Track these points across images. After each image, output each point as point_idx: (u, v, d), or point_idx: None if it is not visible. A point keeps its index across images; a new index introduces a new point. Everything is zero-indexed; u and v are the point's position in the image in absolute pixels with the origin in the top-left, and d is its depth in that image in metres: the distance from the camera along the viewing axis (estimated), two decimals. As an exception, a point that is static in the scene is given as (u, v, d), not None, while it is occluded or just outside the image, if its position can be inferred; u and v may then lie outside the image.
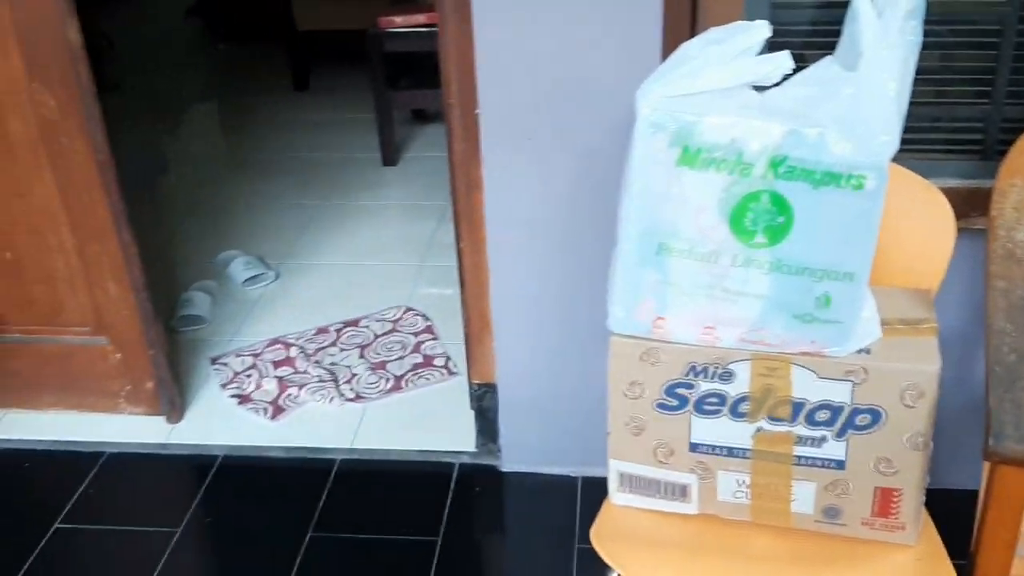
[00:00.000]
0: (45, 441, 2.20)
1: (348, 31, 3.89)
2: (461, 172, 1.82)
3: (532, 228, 1.78)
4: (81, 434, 2.20)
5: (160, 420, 2.22)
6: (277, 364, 2.38)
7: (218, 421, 2.22)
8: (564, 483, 2.00)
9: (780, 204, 1.17)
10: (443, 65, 1.78)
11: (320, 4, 3.91)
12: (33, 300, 2.14)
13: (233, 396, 2.28)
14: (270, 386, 2.30)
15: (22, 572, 1.86)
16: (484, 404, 2.02)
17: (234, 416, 2.23)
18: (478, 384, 2.01)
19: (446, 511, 1.95)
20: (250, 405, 2.25)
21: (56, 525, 1.97)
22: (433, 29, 3.22)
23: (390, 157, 3.44)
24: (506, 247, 1.81)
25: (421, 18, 3.26)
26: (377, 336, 2.48)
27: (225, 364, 2.40)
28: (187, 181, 3.40)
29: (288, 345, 2.45)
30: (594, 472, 1.98)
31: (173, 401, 2.22)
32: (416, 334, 2.48)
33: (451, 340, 2.44)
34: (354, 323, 2.55)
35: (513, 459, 2.03)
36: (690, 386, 1.23)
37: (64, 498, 2.04)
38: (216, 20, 4.26)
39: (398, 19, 3.26)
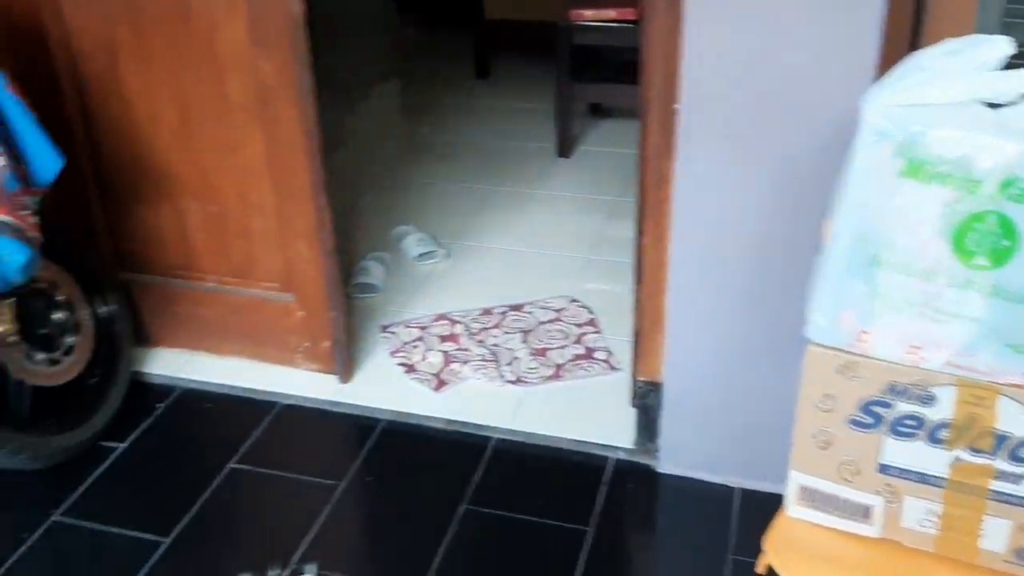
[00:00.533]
0: (226, 385, 2.34)
1: (534, 22, 3.95)
2: (652, 166, 1.81)
3: (720, 228, 1.76)
4: (259, 382, 2.33)
5: (332, 379, 2.33)
6: (443, 339, 2.45)
7: (385, 386, 2.30)
8: (721, 492, 1.97)
9: (1007, 227, 1.11)
10: (645, 58, 1.78)
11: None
12: (231, 253, 2.28)
13: (400, 364, 2.36)
14: (435, 359, 2.37)
15: (199, 504, 1.99)
16: (647, 402, 2.01)
17: (400, 383, 2.31)
18: (643, 381, 2.01)
19: (598, 504, 1.95)
20: (415, 375, 2.32)
21: (231, 464, 2.09)
22: (622, 24, 3.25)
23: (565, 149, 3.46)
24: (690, 245, 1.80)
25: (611, 13, 3.26)
26: (540, 323, 2.51)
27: (394, 333, 2.49)
28: (364, 156, 3.53)
29: (454, 322, 2.52)
30: (755, 485, 1.94)
31: (346, 362, 2.31)
32: (579, 325, 2.50)
33: (614, 335, 2.44)
34: (518, 308, 2.59)
35: (671, 461, 2.01)
36: (888, 405, 1.19)
37: (240, 440, 2.16)
38: (408, 3, 4.40)
39: (588, 13, 3.28)
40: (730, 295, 1.80)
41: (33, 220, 1.81)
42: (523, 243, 2.94)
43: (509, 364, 2.35)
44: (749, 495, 1.95)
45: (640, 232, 1.92)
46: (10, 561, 1.86)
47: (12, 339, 1.97)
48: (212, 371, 2.38)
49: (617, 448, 2.08)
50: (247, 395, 2.31)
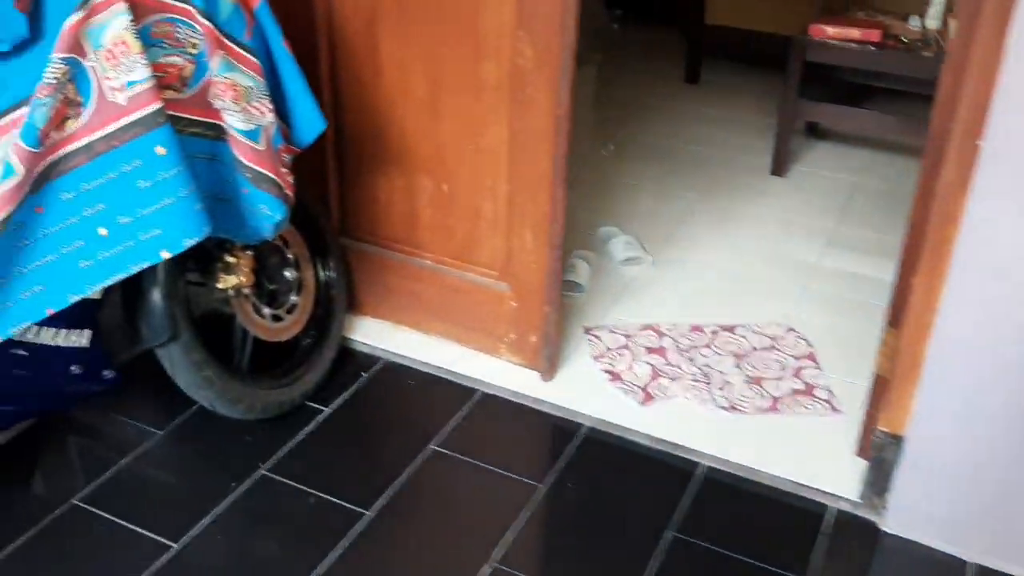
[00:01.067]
0: (428, 364, 2.32)
1: (758, 33, 3.80)
2: (939, 203, 1.66)
3: (1013, 280, 1.59)
4: (461, 367, 2.30)
5: (534, 375, 2.27)
6: (649, 350, 2.35)
7: (588, 391, 2.23)
8: (953, 564, 1.80)
9: None
10: (946, 86, 1.63)
11: (739, 1, 3.82)
12: (454, 233, 2.26)
13: (605, 371, 2.28)
14: (641, 371, 2.28)
15: (401, 481, 1.97)
16: (884, 455, 1.86)
17: (604, 391, 2.23)
18: (883, 432, 1.86)
19: (816, 556, 1.82)
20: (620, 384, 2.24)
21: (432, 446, 2.07)
22: (863, 46, 3.06)
23: (780, 167, 3.30)
24: (971, 293, 1.64)
25: (855, 33, 3.08)
26: (755, 349, 2.38)
27: (598, 337, 2.41)
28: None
29: (661, 334, 2.42)
30: (996, 564, 1.78)
31: (551, 359, 2.25)
32: (797, 358, 2.35)
33: (834, 374, 2.29)
34: (730, 329, 2.46)
35: (900, 522, 1.86)
36: None
37: (440, 422, 2.14)
38: (623, -1, 4.30)
39: (830, 30, 3.10)
40: (1014, 355, 1.63)
41: (290, 179, 1.82)
42: (733, 260, 2.81)
43: (721, 388, 2.23)
44: (987, 573, 1.78)
45: (908, 271, 1.77)
46: (220, 507, 1.88)
47: (246, 291, 2.00)
48: (415, 347, 2.37)
49: (839, 498, 1.94)
50: (448, 377, 2.28)
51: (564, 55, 1.94)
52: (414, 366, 2.32)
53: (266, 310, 2.08)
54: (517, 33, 1.97)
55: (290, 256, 2.14)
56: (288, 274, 2.13)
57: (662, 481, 2.00)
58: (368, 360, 2.34)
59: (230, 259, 1.94)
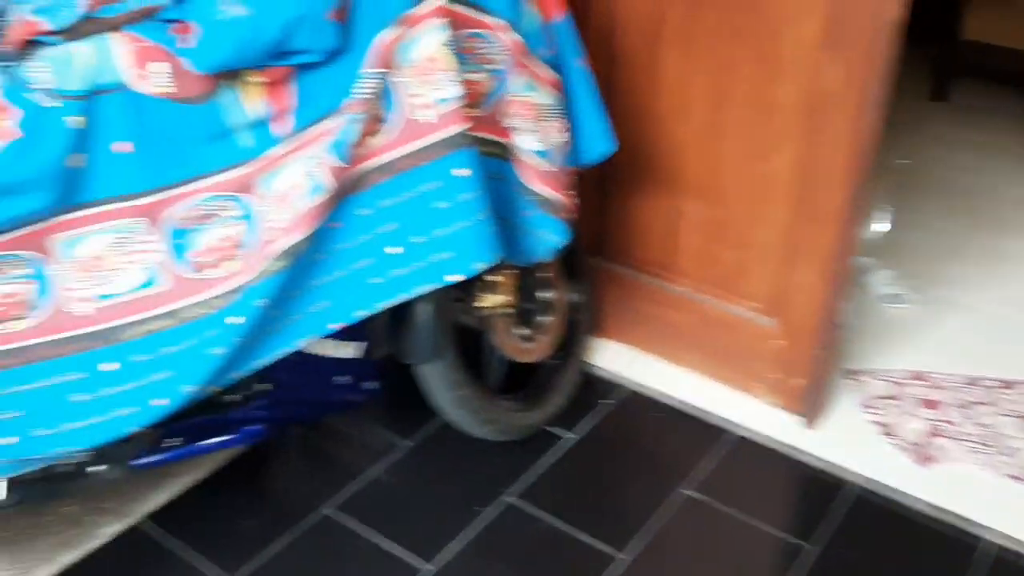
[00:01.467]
0: (674, 398, 2.18)
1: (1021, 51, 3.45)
2: None
3: None
4: (711, 404, 2.16)
5: (796, 420, 2.10)
6: (924, 403, 2.14)
7: (856, 443, 2.04)
8: None
9: None
10: None
11: (1004, 19, 3.48)
12: (718, 262, 2.11)
13: (875, 423, 2.09)
14: (917, 426, 2.07)
15: (652, 524, 1.85)
16: None
17: (874, 445, 2.04)
18: None
19: None
20: (893, 439, 2.04)
21: (684, 490, 1.94)
22: None
23: (1053, 203, 2.98)
24: None
25: None
26: (1043, 411, 2.13)
27: (862, 382, 2.21)
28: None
29: (935, 386, 2.20)
30: None
31: (816, 405, 2.08)
32: (1097, 427, 2.08)
33: None
34: (1009, 385, 2.21)
35: None
36: None
37: (691, 463, 2.00)
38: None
39: None
40: None
41: (574, 201, 1.73)
42: (1006, 305, 2.53)
43: (1008, 455, 1.99)
44: None
45: None
46: (467, 532, 1.82)
47: (506, 311, 1.93)
48: (659, 377, 2.24)
49: None
50: (697, 414, 2.15)
51: (874, 78, 1.76)
52: (659, 397, 2.20)
53: (520, 330, 2.01)
54: (818, 53, 1.80)
55: (547, 275, 2.06)
56: (544, 294, 2.05)
57: (944, 556, 1.80)
58: (610, 387, 2.23)
59: (494, 278, 1.87)
